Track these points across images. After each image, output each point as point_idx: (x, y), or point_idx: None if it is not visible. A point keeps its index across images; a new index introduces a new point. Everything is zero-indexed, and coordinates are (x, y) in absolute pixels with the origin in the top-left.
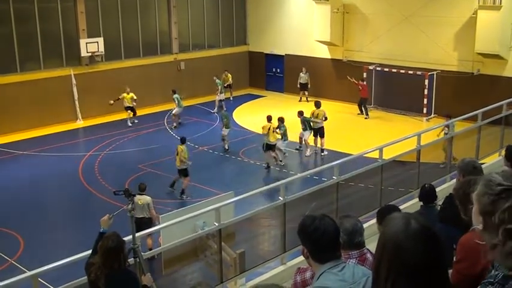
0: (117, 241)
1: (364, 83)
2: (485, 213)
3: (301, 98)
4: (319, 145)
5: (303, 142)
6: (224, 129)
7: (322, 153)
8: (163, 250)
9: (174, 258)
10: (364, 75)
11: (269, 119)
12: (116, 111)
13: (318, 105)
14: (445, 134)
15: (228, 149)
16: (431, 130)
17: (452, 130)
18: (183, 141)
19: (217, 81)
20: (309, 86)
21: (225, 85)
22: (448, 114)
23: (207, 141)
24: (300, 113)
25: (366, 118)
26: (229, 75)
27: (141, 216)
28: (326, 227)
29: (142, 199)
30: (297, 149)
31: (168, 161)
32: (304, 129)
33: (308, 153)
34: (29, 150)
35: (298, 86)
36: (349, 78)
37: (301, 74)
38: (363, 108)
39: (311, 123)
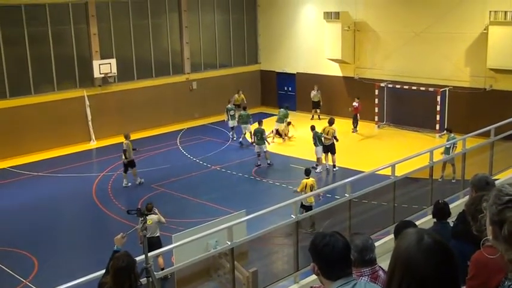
0: (128, 261)
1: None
2: (493, 222)
3: (313, 115)
4: (330, 162)
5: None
6: (256, 145)
7: (334, 169)
8: (176, 270)
9: (187, 278)
10: (376, 92)
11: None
12: (129, 131)
13: (330, 122)
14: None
15: (271, 164)
16: (444, 146)
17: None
18: (308, 173)
19: (244, 112)
20: (321, 103)
21: (236, 104)
22: (448, 128)
23: (219, 160)
24: (312, 128)
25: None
26: (242, 95)
27: (149, 236)
28: (335, 243)
29: (151, 218)
30: (313, 167)
31: (180, 180)
32: (315, 145)
33: (318, 170)
34: (43, 171)
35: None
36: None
37: (312, 92)
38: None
39: (322, 139)
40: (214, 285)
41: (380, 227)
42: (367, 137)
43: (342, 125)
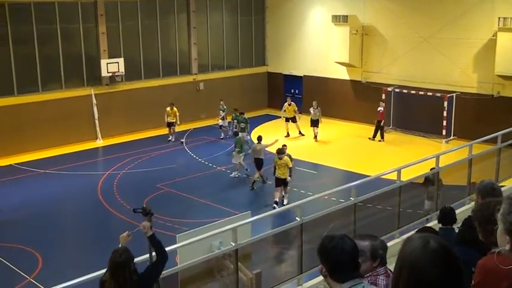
0: (125, 256)
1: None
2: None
3: (315, 135)
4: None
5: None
6: (235, 154)
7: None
8: (179, 270)
9: (191, 278)
10: (383, 96)
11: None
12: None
13: (279, 152)
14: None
15: (237, 177)
16: (451, 152)
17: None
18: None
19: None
20: (320, 123)
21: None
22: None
23: (225, 161)
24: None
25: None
26: (175, 108)
27: (261, 157)
28: (344, 245)
29: (260, 145)
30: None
31: (186, 180)
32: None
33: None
34: (49, 168)
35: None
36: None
37: (311, 109)
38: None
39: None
40: (217, 286)
41: (385, 231)
42: (372, 141)
43: (348, 128)
